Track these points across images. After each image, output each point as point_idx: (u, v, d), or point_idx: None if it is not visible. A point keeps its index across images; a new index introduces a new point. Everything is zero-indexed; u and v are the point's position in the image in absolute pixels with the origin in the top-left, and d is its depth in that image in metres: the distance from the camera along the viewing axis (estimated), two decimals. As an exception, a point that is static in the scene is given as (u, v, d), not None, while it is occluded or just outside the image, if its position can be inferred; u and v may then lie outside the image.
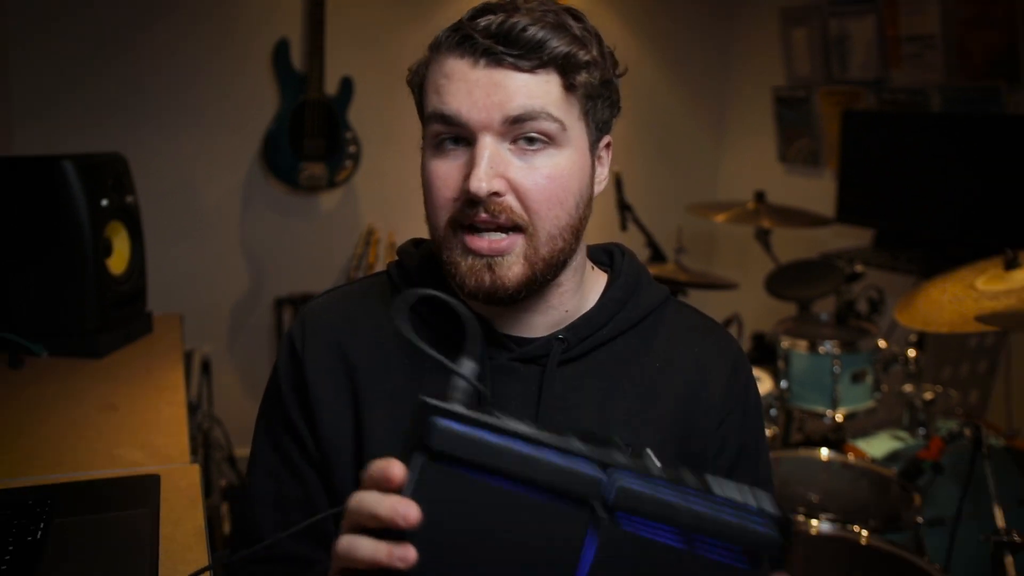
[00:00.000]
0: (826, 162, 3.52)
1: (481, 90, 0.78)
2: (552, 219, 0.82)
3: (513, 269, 0.81)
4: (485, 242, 0.81)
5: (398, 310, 0.62)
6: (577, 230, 0.85)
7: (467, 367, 0.62)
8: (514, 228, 0.81)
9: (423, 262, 0.95)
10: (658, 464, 0.60)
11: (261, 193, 3.26)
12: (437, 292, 0.67)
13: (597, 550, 0.58)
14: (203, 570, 0.75)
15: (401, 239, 3.29)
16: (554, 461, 0.58)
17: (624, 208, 3.13)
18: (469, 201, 0.79)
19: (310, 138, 3.17)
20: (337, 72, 3.19)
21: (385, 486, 0.59)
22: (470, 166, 0.79)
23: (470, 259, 0.82)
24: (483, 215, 0.80)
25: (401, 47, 3.28)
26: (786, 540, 0.61)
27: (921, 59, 2.96)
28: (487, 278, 0.81)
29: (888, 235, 3.10)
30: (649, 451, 0.61)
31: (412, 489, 0.58)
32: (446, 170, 0.82)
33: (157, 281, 2.23)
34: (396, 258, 0.98)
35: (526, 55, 0.78)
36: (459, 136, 0.81)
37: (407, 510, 0.56)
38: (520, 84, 0.79)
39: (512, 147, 0.80)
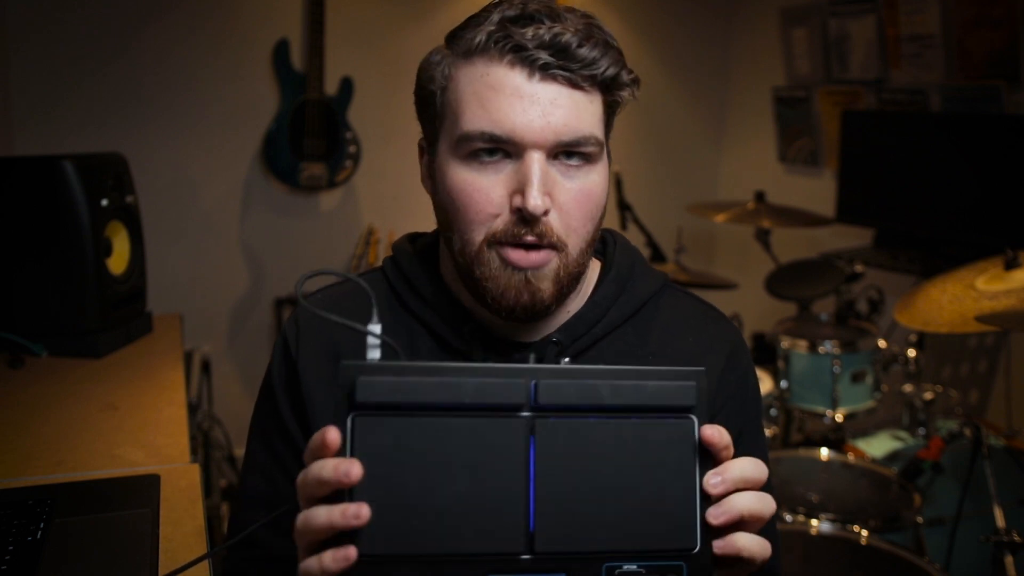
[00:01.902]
0: (826, 162, 3.52)
1: (537, 108, 0.76)
2: (585, 235, 0.82)
3: (545, 283, 0.80)
4: (523, 254, 0.79)
5: (300, 284, 0.65)
6: (596, 241, 0.86)
7: (375, 329, 0.65)
8: (550, 246, 0.80)
9: (418, 257, 0.93)
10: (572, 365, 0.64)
11: (261, 193, 3.26)
12: (322, 271, 0.69)
13: (536, 446, 0.61)
14: (202, 558, 0.76)
15: (401, 239, 3.20)
16: (474, 380, 0.61)
17: (624, 208, 3.13)
18: (521, 219, 0.78)
19: (310, 138, 3.17)
20: (337, 72, 3.19)
21: (325, 453, 0.60)
22: (519, 182, 0.77)
23: (509, 272, 0.80)
24: (530, 237, 0.78)
25: (401, 47, 3.29)
26: (699, 384, 0.64)
27: (921, 59, 2.96)
28: (526, 293, 0.80)
29: (888, 235, 3.10)
30: (566, 359, 0.65)
31: (350, 447, 0.60)
32: (488, 184, 0.79)
33: (157, 281, 2.24)
34: (391, 254, 0.97)
35: (579, 72, 0.77)
36: (498, 149, 0.78)
37: (348, 467, 0.58)
38: (572, 103, 0.78)
39: (554, 162, 0.79)
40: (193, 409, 2.23)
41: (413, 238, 0.98)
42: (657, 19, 3.83)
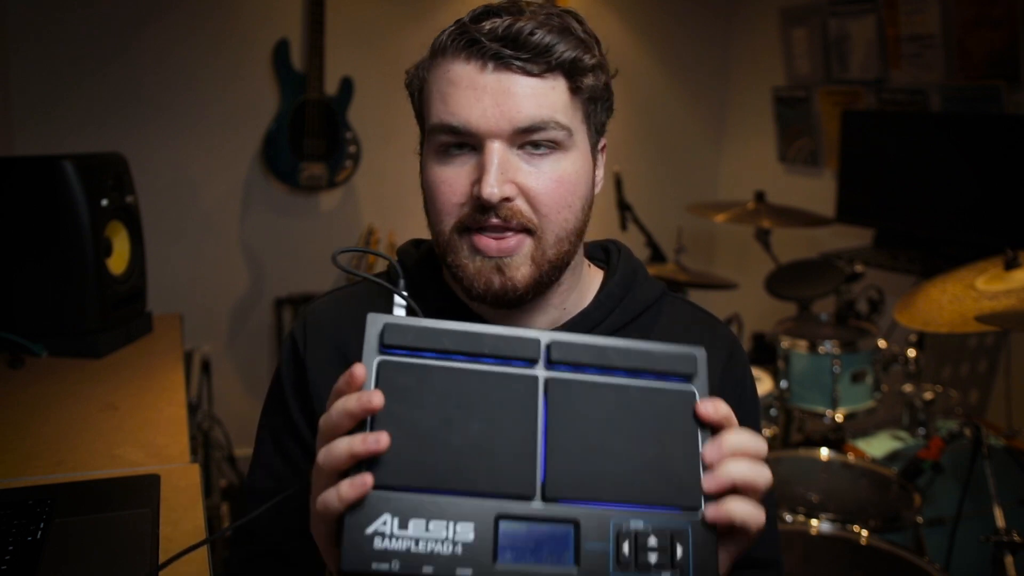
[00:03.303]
0: (826, 162, 3.52)
1: (490, 97, 0.78)
2: (560, 222, 0.82)
3: (521, 270, 0.81)
4: (493, 242, 0.81)
5: (342, 255, 0.70)
6: (581, 232, 0.86)
7: (399, 302, 0.71)
8: (523, 230, 0.81)
9: (422, 262, 0.95)
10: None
11: (261, 193, 3.26)
12: (367, 276, 0.76)
13: (547, 398, 0.65)
14: (202, 543, 0.76)
15: (401, 239, 3.27)
16: (494, 332, 0.65)
17: (624, 208, 3.13)
18: (480, 207, 0.79)
19: (310, 138, 3.17)
20: (337, 72, 3.20)
21: (350, 388, 0.62)
22: (479, 171, 0.79)
23: (478, 260, 0.81)
24: (494, 220, 0.80)
25: (401, 47, 3.29)
26: (698, 356, 0.68)
27: (921, 59, 2.96)
28: (496, 280, 0.81)
29: (888, 235, 3.10)
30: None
31: (373, 384, 0.63)
32: (452, 175, 0.81)
33: (157, 281, 2.24)
34: (396, 259, 0.98)
35: (534, 59, 0.78)
36: (464, 142, 0.81)
37: (370, 396, 0.60)
38: (528, 90, 0.79)
39: (520, 151, 0.80)
40: (193, 409, 2.23)
41: (417, 243, 1.00)
42: (657, 19, 3.83)
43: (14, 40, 2.82)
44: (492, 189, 0.78)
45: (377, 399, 0.60)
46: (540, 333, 0.67)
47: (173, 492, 1.16)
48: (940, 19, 2.86)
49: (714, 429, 0.67)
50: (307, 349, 0.93)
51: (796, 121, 3.63)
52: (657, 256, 3.13)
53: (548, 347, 0.66)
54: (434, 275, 0.94)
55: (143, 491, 1.14)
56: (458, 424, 0.62)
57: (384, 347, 0.63)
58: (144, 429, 1.39)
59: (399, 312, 0.71)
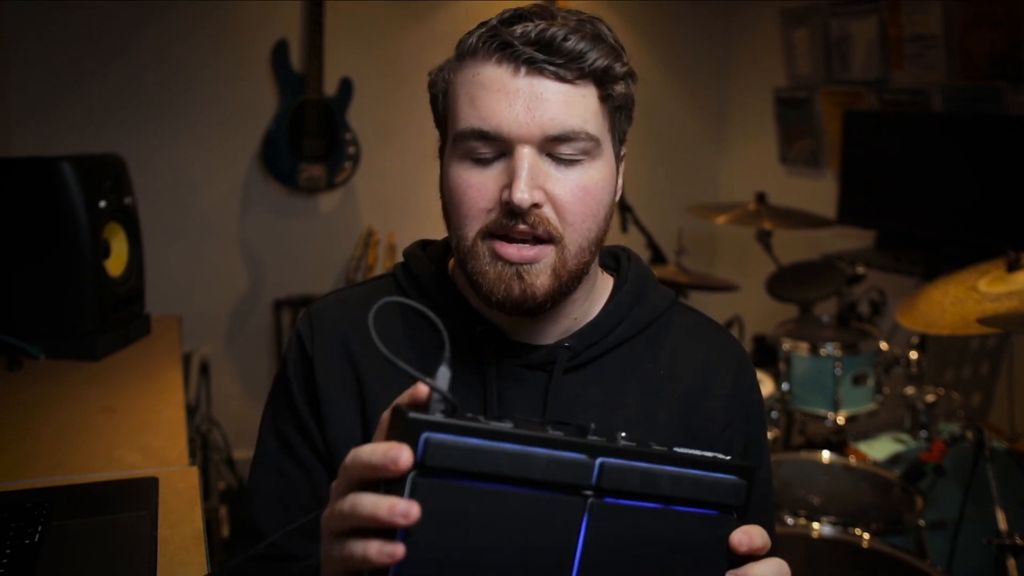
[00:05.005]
0: (827, 163, 3.52)
1: (522, 102, 0.77)
2: (584, 231, 0.82)
3: (541, 279, 0.80)
4: (515, 249, 0.80)
5: (372, 321, 0.60)
6: (601, 242, 0.86)
7: (443, 375, 0.60)
8: (548, 240, 0.80)
9: (429, 262, 0.94)
10: (630, 442, 0.63)
11: (260, 194, 3.26)
12: (405, 300, 0.65)
13: (587, 526, 0.61)
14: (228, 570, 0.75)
15: (401, 240, 3.27)
16: (541, 454, 0.58)
17: (624, 209, 3.13)
18: (509, 212, 0.78)
19: (309, 139, 3.16)
20: (336, 72, 3.19)
21: (387, 472, 0.55)
22: (509, 176, 0.78)
23: (499, 266, 0.80)
24: (522, 226, 0.79)
25: (401, 47, 3.28)
26: (749, 483, 0.66)
27: (923, 59, 2.96)
28: (516, 287, 0.80)
29: (890, 236, 3.10)
30: (621, 434, 0.63)
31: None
32: (481, 180, 0.80)
33: (155, 283, 2.23)
34: (402, 260, 0.97)
35: (567, 65, 0.77)
36: (493, 147, 0.80)
37: (408, 507, 0.54)
38: (560, 96, 0.78)
39: (548, 158, 0.80)
40: (191, 411, 2.22)
41: (424, 244, 0.99)
42: (657, 19, 3.82)
43: (14, 40, 2.82)
44: (523, 195, 0.76)
45: (415, 512, 0.54)
46: (590, 446, 0.60)
47: (171, 495, 1.15)
48: (942, 19, 2.85)
49: (741, 558, 0.66)
50: (314, 346, 0.92)
51: (797, 122, 3.63)
52: (658, 258, 3.12)
53: (599, 471, 0.61)
54: (441, 276, 0.93)
55: (141, 494, 1.14)
56: (489, 552, 0.58)
57: (424, 466, 0.55)
58: (142, 431, 1.39)
59: (441, 381, 0.60)
